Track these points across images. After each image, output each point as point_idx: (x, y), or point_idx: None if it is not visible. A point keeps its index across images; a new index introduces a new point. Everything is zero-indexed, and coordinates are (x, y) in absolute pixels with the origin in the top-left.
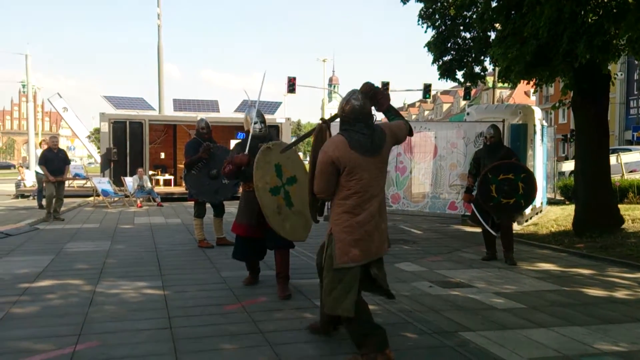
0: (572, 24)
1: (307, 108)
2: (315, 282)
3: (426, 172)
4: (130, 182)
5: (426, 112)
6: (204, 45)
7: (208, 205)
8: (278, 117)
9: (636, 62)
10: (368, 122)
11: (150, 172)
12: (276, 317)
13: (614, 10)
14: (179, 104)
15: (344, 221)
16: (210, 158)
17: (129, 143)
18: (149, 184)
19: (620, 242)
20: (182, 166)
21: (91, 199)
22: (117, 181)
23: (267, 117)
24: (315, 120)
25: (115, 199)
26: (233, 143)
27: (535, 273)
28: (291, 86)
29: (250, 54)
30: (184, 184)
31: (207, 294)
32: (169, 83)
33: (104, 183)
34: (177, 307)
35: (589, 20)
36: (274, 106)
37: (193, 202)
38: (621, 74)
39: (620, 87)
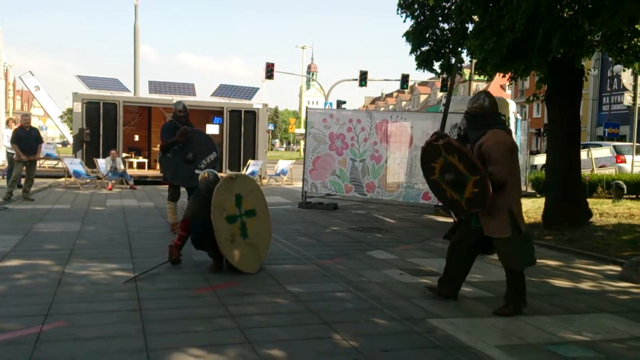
0: (548, 18)
1: (285, 95)
2: (288, 267)
3: (401, 161)
4: (102, 163)
5: (403, 103)
6: (181, 28)
7: (182, 189)
8: (255, 103)
9: (610, 59)
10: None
11: (124, 155)
12: (247, 301)
13: (590, 6)
14: (155, 86)
15: (516, 197)
16: (187, 142)
17: (102, 124)
18: (122, 166)
19: (588, 235)
20: (157, 149)
21: (62, 179)
22: (90, 162)
23: (244, 102)
24: (294, 107)
25: (87, 180)
26: (209, 127)
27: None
28: (269, 72)
29: (229, 38)
30: (158, 167)
31: (178, 277)
32: (145, 66)
33: (75, 164)
34: (147, 290)
35: (565, 15)
36: (251, 92)
37: (167, 185)
38: (595, 70)
39: (594, 84)
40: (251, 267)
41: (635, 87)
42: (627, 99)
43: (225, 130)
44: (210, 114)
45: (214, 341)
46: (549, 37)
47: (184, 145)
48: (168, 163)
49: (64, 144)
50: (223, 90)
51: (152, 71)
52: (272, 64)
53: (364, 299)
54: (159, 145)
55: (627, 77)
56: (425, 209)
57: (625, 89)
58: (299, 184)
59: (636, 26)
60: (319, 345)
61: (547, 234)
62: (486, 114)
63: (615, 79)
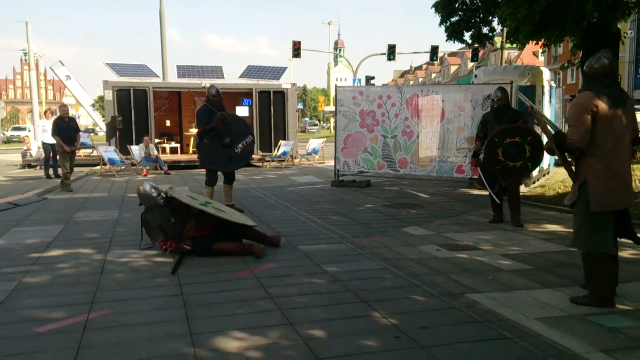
0: None
1: (313, 72)
2: (324, 247)
3: (433, 135)
4: (136, 150)
5: (433, 75)
6: (206, 9)
7: (219, 173)
8: (283, 83)
9: None
10: (614, 79)
11: (156, 140)
12: (285, 282)
13: None
14: (183, 70)
15: (600, 170)
16: (223, 127)
17: (133, 111)
18: (155, 152)
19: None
20: (189, 133)
21: (98, 167)
22: (123, 150)
23: (272, 82)
24: (322, 84)
25: (122, 167)
26: (239, 110)
27: (542, 234)
28: (296, 50)
29: (254, 18)
30: (192, 152)
31: (217, 260)
32: (172, 50)
33: (110, 152)
34: (187, 275)
35: None
36: (279, 71)
37: (204, 170)
38: (631, 33)
39: (630, 46)
40: (249, 221)
41: None
42: None
43: (254, 111)
44: (239, 96)
45: (256, 323)
46: (582, 1)
47: (220, 130)
48: (205, 149)
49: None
50: (251, 71)
51: (180, 55)
52: (299, 42)
53: (402, 276)
54: (196, 132)
55: None
56: (459, 182)
57: None
58: (331, 163)
59: None
60: (359, 324)
61: None
62: (592, 75)
63: None
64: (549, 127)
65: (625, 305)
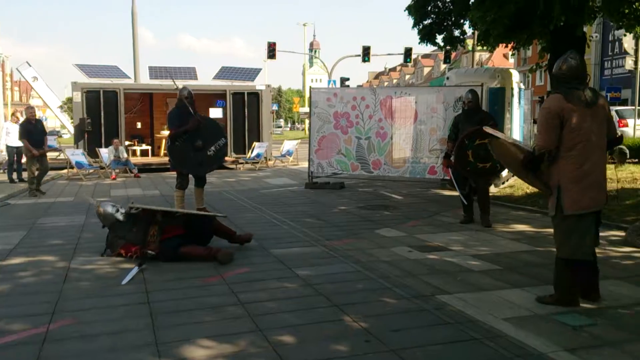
0: None
1: (288, 74)
2: (297, 250)
3: (407, 137)
4: (105, 153)
5: (407, 76)
6: (180, 10)
7: (190, 176)
8: (258, 84)
9: (611, 23)
10: (583, 80)
11: (127, 143)
12: (257, 287)
13: None
14: (155, 72)
15: (572, 174)
16: (196, 129)
17: (103, 113)
18: (125, 155)
19: None
20: (160, 135)
21: (65, 171)
22: (92, 152)
23: (247, 84)
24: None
25: (90, 170)
26: (212, 111)
27: (511, 234)
28: (271, 52)
29: (229, 19)
30: (163, 154)
31: (186, 266)
32: (145, 51)
33: (78, 155)
34: (155, 282)
35: None
36: (253, 73)
37: (175, 173)
38: (596, 36)
39: (596, 49)
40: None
41: (636, 51)
42: (629, 63)
43: (228, 113)
44: (213, 97)
45: (225, 331)
46: (550, 5)
47: (193, 132)
48: (177, 152)
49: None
50: (225, 72)
51: (152, 56)
52: (274, 44)
53: (374, 278)
54: (168, 135)
55: (628, 41)
56: (431, 183)
57: (626, 53)
58: (305, 165)
59: None
60: (329, 329)
61: None
62: (560, 77)
63: (617, 43)
64: (516, 147)
65: (589, 304)
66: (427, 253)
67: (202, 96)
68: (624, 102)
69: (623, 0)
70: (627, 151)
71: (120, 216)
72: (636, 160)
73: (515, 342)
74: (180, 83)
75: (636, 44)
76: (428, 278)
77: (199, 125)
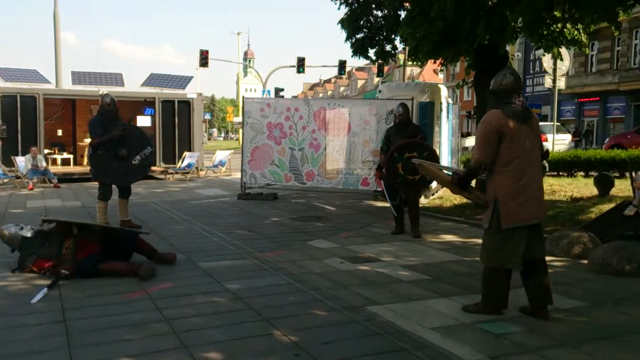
0: (474, 6)
1: (222, 82)
2: (226, 263)
3: (340, 148)
4: (22, 161)
5: (342, 88)
6: (106, 14)
7: (114, 186)
8: (189, 93)
9: (532, 43)
10: (519, 96)
11: (46, 151)
12: (183, 303)
13: None
14: (78, 77)
15: (509, 188)
16: (119, 137)
17: (20, 119)
18: (44, 164)
19: None
20: (83, 144)
21: None
22: (7, 161)
23: (178, 92)
24: (231, 95)
25: (5, 180)
26: (140, 119)
27: (439, 245)
28: (204, 60)
29: (158, 24)
30: (86, 163)
31: (107, 281)
32: (68, 56)
33: None
34: (72, 298)
35: (489, 3)
36: (184, 80)
37: (98, 184)
38: (518, 55)
39: (518, 66)
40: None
41: (554, 70)
42: (548, 81)
43: (157, 121)
44: (141, 104)
45: (148, 349)
46: (475, 25)
47: (116, 141)
48: (99, 161)
49: None
50: (154, 79)
51: (76, 61)
52: (207, 51)
53: (305, 291)
54: (89, 143)
55: (547, 60)
56: (364, 194)
57: (546, 72)
58: (238, 175)
59: (555, 12)
60: (257, 344)
61: (478, 213)
62: (499, 92)
63: (537, 62)
64: (443, 172)
65: (512, 312)
66: (358, 264)
67: (129, 103)
68: (544, 118)
69: (542, 22)
70: (547, 165)
71: (27, 232)
72: (555, 173)
73: (442, 352)
74: (106, 89)
75: (554, 64)
76: (359, 289)
77: (123, 134)
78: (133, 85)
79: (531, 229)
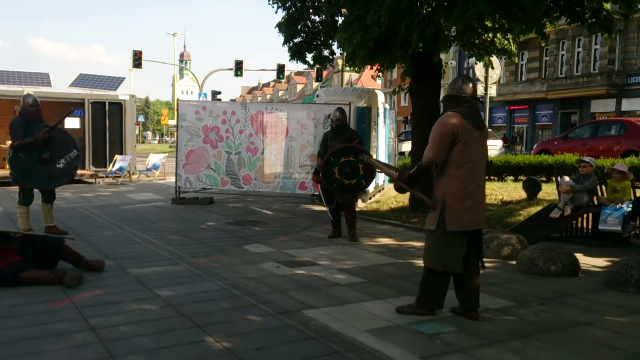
0: (409, 13)
1: (158, 84)
2: (158, 270)
3: (278, 152)
4: None
5: (281, 92)
6: (32, 11)
7: (36, 190)
8: (121, 94)
9: (465, 52)
10: (475, 103)
11: None
12: (111, 311)
13: (445, 4)
14: (1, 76)
15: (457, 191)
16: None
17: None
18: None
19: None
20: (5, 146)
21: None
22: None
23: (108, 93)
24: (167, 97)
25: None
26: (68, 121)
27: (375, 248)
28: (137, 60)
29: (89, 24)
30: (8, 166)
31: (31, 290)
32: None
33: None
34: None
35: (424, 11)
36: (116, 82)
37: (18, 187)
38: (452, 63)
39: (453, 74)
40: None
41: (486, 78)
42: (480, 88)
43: (87, 123)
44: (69, 106)
45: (73, 359)
46: (410, 32)
47: (40, 144)
48: (20, 164)
49: None
50: (83, 80)
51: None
52: (140, 52)
53: (240, 296)
54: (10, 145)
55: (479, 69)
56: (302, 198)
57: (478, 80)
58: (173, 179)
59: (486, 23)
60: (189, 351)
61: (414, 217)
62: (460, 97)
63: (471, 70)
64: (390, 170)
65: (443, 312)
66: (295, 268)
67: (57, 104)
68: None
69: (474, 32)
70: None
71: None
72: (486, 177)
73: (375, 353)
74: (31, 90)
75: (486, 72)
76: (295, 293)
77: (48, 137)
78: (61, 86)
79: (472, 234)
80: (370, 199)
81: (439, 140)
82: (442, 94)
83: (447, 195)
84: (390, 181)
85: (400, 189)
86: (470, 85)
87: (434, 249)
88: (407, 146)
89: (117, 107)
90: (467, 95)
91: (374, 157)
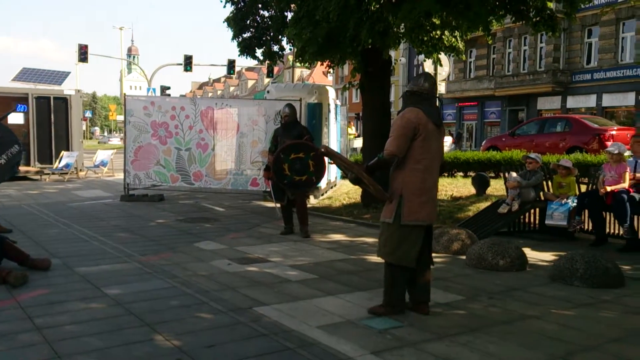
0: (357, 10)
1: (106, 79)
2: (106, 268)
3: (229, 149)
4: None
5: (232, 88)
6: None
7: None
8: (66, 89)
9: (414, 49)
10: (434, 100)
11: None
12: (57, 310)
13: (393, 1)
14: None
15: (415, 186)
16: None
17: None
18: None
19: None
20: None
21: None
22: None
23: (53, 88)
24: (115, 92)
25: None
26: (11, 116)
27: (328, 244)
28: (83, 54)
29: (34, 17)
30: None
31: None
32: None
33: None
34: None
35: (372, 8)
36: (61, 76)
37: None
38: (402, 59)
39: (403, 71)
40: None
41: (435, 75)
42: None
43: (31, 119)
44: (12, 101)
45: None
46: (358, 29)
47: None
48: None
49: None
50: (27, 74)
51: None
52: (86, 46)
53: (190, 294)
54: None
55: (428, 66)
56: (253, 195)
57: None
58: (121, 176)
59: (434, 20)
60: (138, 350)
61: (366, 213)
62: (422, 94)
63: (420, 67)
64: (347, 161)
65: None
66: (246, 265)
67: None
68: None
69: (422, 29)
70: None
71: None
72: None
73: (326, 349)
74: None
75: (435, 69)
76: (246, 291)
77: None
78: (3, 80)
79: (426, 229)
80: (322, 195)
81: (401, 134)
82: (392, 91)
83: (405, 189)
84: (343, 176)
85: (356, 180)
86: (431, 82)
87: (390, 242)
88: (359, 142)
89: (63, 102)
90: (428, 93)
91: None
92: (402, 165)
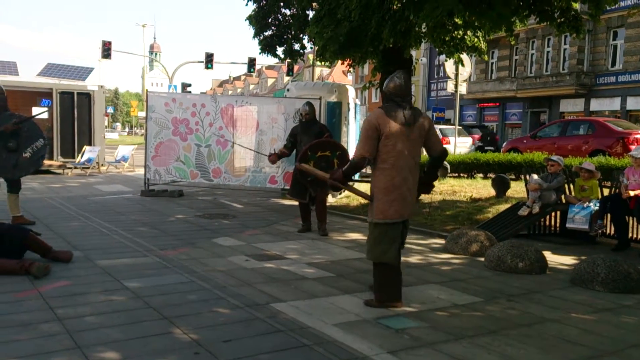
0: (379, 9)
1: (127, 76)
2: (127, 261)
3: (248, 146)
4: None
5: (252, 86)
6: None
7: (1, 179)
8: (90, 84)
9: (436, 49)
10: (406, 99)
11: None
12: (78, 302)
13: (415, 0)
14: None
15: (384, 185)
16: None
17: None
18: None
19: (416, 212)
20: None
21: None
22: None
23: (77, 83)
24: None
25: None
26: (35, 110)
27: (344, 243)
28: (106, 51)
29: (57, 12)
30: None
31: None
32: None
33: None
34: None
35: (394, 7)
36: (85, 72)
37: None
38: (423, 59)
39: (423, 71)
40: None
41: (456, 75)
42: (450, 86)
43: (55, 113)
44: (37, 95)
45: (38, 350)
46: (380, 28)
47: (4, 132)
48: None
49: None
50: (51, 69)
51: None
52: (109, 43)
53: (208, 288)
54: None
55: (449, 66)
56: (272, 192)
57: (448, 77)
58: (142, 171)
59: (456, 20)
60: (156, 343)
61: None
62: (387, 94)
63: (441, 67)
64: (320, 172)
65: (411, 307)
66: (264, 262)
67: (24, 94)
68: (448, 122)
69: (444, 28)
70: (448, 166)
71: None
72: (456, 174)
73: (343, 347)
74: None
75: (456, 69)
76: (263, 287)
77: (16, 128)
78: (29, 75)
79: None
80: (340, 194)
81: (364, 136)
82: (412, 91)
83: (375, 188)
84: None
85: (334, 187)
86: (398, 82)
87: (371, 240)
88: None
89: (86, 97)
90: (391, 93)
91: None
92: (374, 166)
